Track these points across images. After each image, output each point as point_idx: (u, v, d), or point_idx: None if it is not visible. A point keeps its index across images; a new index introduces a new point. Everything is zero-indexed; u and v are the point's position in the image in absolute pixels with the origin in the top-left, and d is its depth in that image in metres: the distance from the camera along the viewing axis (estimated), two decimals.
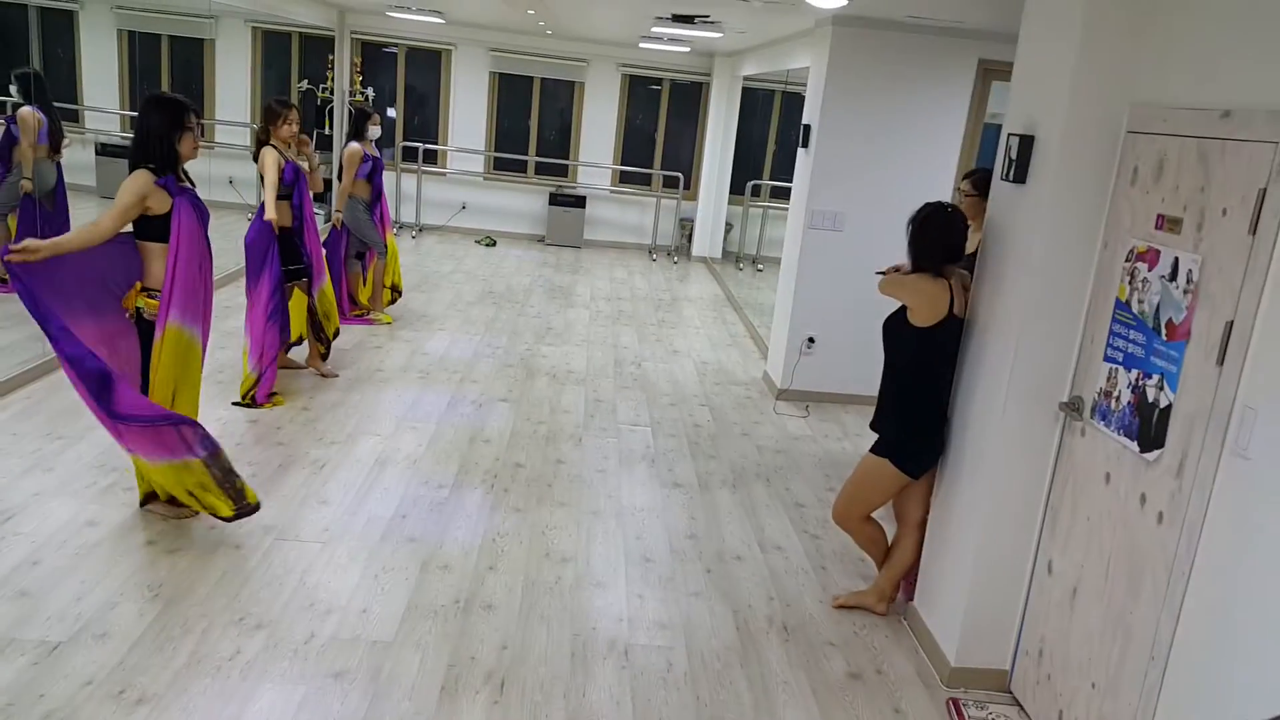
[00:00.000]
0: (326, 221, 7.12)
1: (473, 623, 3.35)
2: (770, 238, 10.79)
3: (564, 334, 7.45)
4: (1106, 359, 2.83)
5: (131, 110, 8.15)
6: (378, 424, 5.11)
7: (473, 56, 11.31)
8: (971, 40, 5.81)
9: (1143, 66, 2.77)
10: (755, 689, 3.16)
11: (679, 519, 4.36)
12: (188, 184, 3.72)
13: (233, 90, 10.49)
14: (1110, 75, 2.81)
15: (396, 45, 11.34)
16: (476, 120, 11.52)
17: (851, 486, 3.60)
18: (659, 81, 11.78)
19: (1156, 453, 2.56)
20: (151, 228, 3.60)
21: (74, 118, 8.23)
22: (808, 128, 6.09)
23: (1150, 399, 2.61)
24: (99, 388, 3.35)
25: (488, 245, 11.15)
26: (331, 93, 10.43)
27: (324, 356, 5.80)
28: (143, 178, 3.52)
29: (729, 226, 11.70)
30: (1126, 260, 2.76)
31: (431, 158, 11.56)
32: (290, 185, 5.27)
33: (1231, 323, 2.31)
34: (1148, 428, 2.61)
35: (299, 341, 5.75)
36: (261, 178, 5.18)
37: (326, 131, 10.43)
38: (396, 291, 7.37)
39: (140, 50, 8.97)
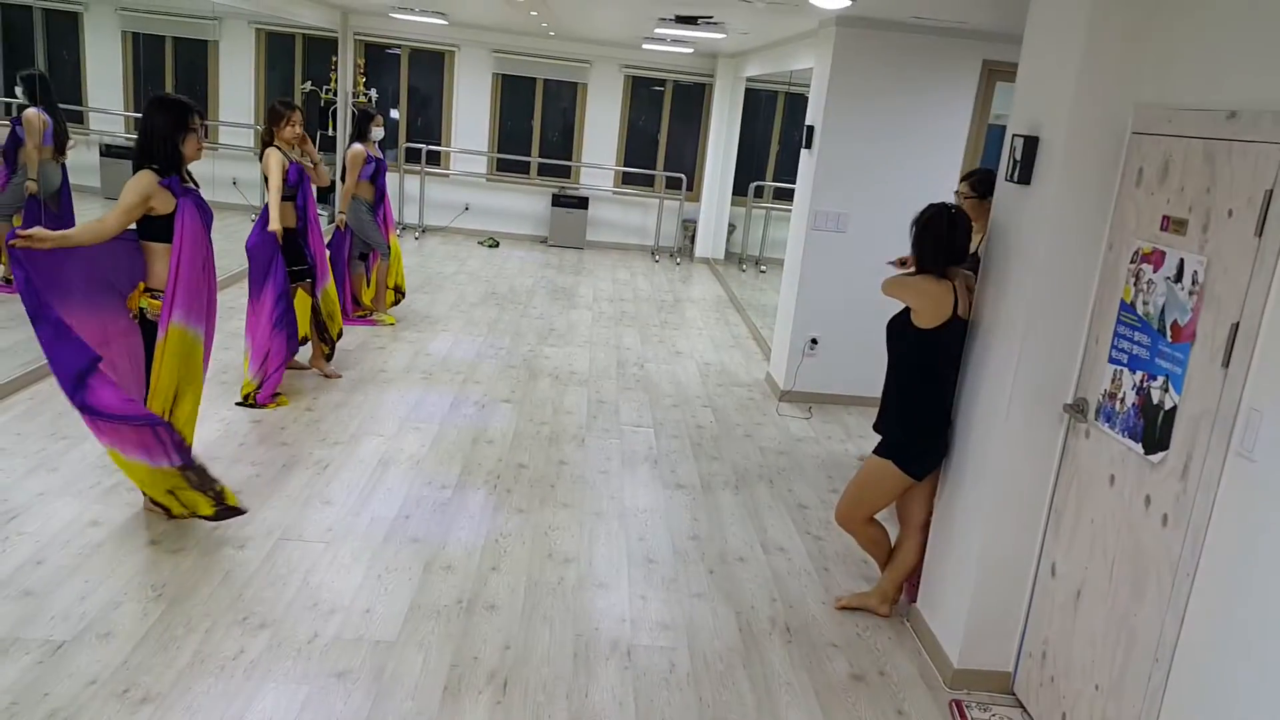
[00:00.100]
0: (330, 223, 7.12)
1: (475, 623, 3.35)
2: (773, 239, 10.79)
3: (567, 335, 7.45)
4: (1111, 361, 2.82)
5: (136, 112, 8.15)
6: (381, 424, 5.12)
7: (476, 58, 11.31)
8: (975, 41, 5.80)
9: (1147, 67, 2.76)
10: (758, 690, 3.16)
11: (682, 520, 4.36)
12: (192, 185, 3.73)
13: (236, 92, 10.50)
14: (1115, 76, 2.81)
15: (399, 47, 11.35)
16: (479, 122, 11.53)
17: (854, 488, 3.60)
18: (662, 83, 11.78)
19: (1161, 455, 2.56)
20: (155, 228, 3.61)
21: (78, 119, 8.23)
22: (811, 129, 6.09)
23: (1155, 401, 2.60)
24: (74, 384, 3.36)
25: (490, 246, 11.16)
26: (335, 94, 10.44)
27: (328, 357, 5.82)
28: (146, 178, 3.53)
29: (732, 227, 11.70)
30: (1131, 261, 2.75)
31: (434, 159, 11.57)
32: (294, 186, 5.28)
33: (1237, 324, 2.30)
34: (1152, 430, 2.60)
35: (304, 342, 5.75)
36: (265, 179, 5.19)
37: (330, 133, 10.44)
38: (400, 293, 7.38)
39: (144, 52, 8.98)
